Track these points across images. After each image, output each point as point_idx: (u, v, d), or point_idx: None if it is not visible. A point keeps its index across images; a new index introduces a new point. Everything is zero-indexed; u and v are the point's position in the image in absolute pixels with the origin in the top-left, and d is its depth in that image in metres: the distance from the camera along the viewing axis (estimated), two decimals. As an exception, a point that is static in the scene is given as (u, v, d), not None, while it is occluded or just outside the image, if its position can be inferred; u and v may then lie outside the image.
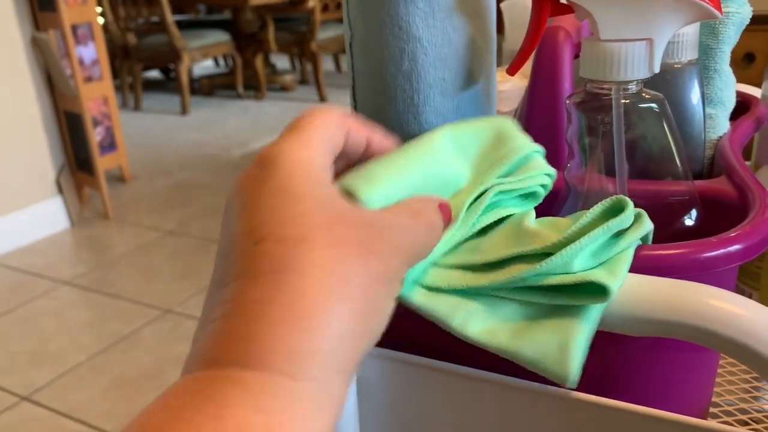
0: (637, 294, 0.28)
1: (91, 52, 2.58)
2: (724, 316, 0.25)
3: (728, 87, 0.45)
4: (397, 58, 0.35)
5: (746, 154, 0.57)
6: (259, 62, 4.28)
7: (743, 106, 0.53)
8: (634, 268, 0.30)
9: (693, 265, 0.30)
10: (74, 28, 2.46)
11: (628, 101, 0.32)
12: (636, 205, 0.30)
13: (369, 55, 0.36)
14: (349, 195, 0.26)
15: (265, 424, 0.19)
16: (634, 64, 0.30)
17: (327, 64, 5.01)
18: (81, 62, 2.51)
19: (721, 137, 0.45)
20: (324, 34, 4.16)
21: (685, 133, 0.41)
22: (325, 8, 4.11)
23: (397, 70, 0.35)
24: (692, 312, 0.26)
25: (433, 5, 0.34)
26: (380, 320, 0.24)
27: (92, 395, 1.59)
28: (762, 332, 0.25)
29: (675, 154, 0.34)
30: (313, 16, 3.99)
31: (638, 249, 0.30)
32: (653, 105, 0.33)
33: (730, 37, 0.43)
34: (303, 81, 4.78)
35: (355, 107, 0.38)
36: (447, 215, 0.28)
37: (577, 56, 0.45)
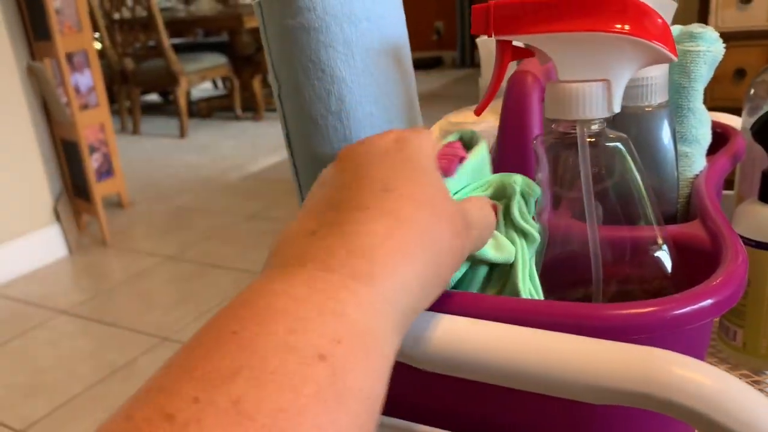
0: (595, 361, 0.27)
1: (87, 79, 2.59)
2: (689, 387, 0.24)
3: (703, 125, 0.45)
4: (325, 99, 0.37)
5: (730, 183, 0.56)
6: (256, 84, 4.30)
7: (722, 137, 0.53)
8: (599, 330, 0.29)
9: (662, 325, 0.29)
10: (70, 56, 2.47)
11: (593, 139, 0.32)
12: (607, 252, 0.30)
13: (298, 101, 0.37)
14: None
15: (369, 329, 0.23)
16: (594, 104, 0.31)
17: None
18: (77, 90, 2.52)
19: (697, 175, 0.44)
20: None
21: (658, 175, 0.40)
22: (321, 29, 4.13)
23: (326, 111, 0.37)
24: (655, 381, 0.25)
25: (351, 47, 0.36)
26: (443, 281, 0.28)
27: (89, 427, 1.58)
28: (729, 404, 0.24)
29: (645, 197, 0.34)
30: (309, 37, 4.01)
31: (603, 308, 0.30)
32: (618, 144, 0.33)
33: (703, 75, 0.43)
34: (301, 101, 4.79)
35: (292, 153, 0.40)
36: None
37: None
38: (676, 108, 0.44)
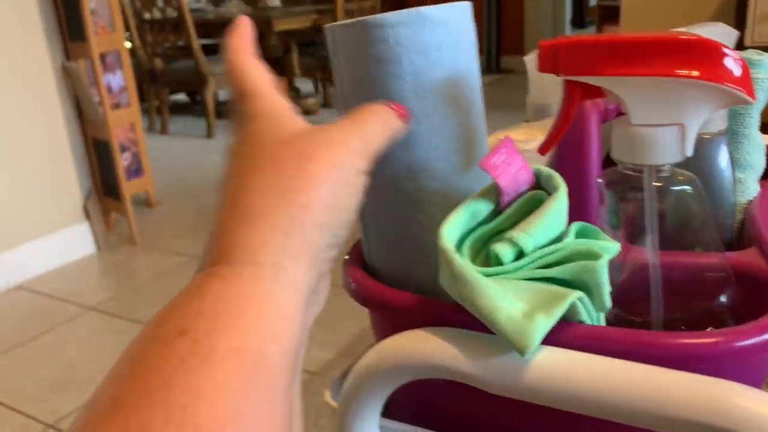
0: (659, 390, 0.27)
1: (119, 79, 2.62)
2: (753, 419, 0.25)
3: (757, 151, 0.45)
4: None
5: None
6: (283, 86, 4.32)
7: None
8: (663, 358, 0.29)
9: (727, 355, 0.29)
10: (103, 57, 2.50)
11: (660, 184, 0.32)
12: (669, 279, 0.30)
13: None
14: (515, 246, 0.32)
15: (237, 293, 0.25)
16: (666, 149, 0.30)
17: (350, 87, 5.02)
18: (109, 90, 2.55)
19: (750, 201, 0.45)
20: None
21: (715, 202, 0.40)
22: (348, 33, 4.14)
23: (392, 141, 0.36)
24: (719, 413, 0.25)
25: (421, 78, 0.36)
26: (336, 214, 0.29)
27: (117, 424, 1.60)
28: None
29: (707, 231, 0.34)
30: (336, 41, 4.02)
31: (668, 337, 0.30)
32: (686, 187, 0.33)
33: (760, 101, 0.43)
34: (326, 104, 4.81)
35: None
36: (401, 112, 0.34)
37: (605, 120, 0.45)
38: (731, 134, 0.44)
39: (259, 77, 0.33)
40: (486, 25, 5.50)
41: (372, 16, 0.35)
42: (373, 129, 0.32)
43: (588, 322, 0.33)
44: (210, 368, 0.22)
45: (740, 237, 0.45)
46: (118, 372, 0.23)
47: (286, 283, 0.27)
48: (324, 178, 0.28)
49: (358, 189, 0.30)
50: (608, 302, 0.32)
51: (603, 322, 0.34)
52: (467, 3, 0.37)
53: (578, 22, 7.52)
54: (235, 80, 0.33)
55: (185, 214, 2.95)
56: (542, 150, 0.34)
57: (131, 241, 2.63)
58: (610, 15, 4.39)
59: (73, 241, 2.50)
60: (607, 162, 0.43)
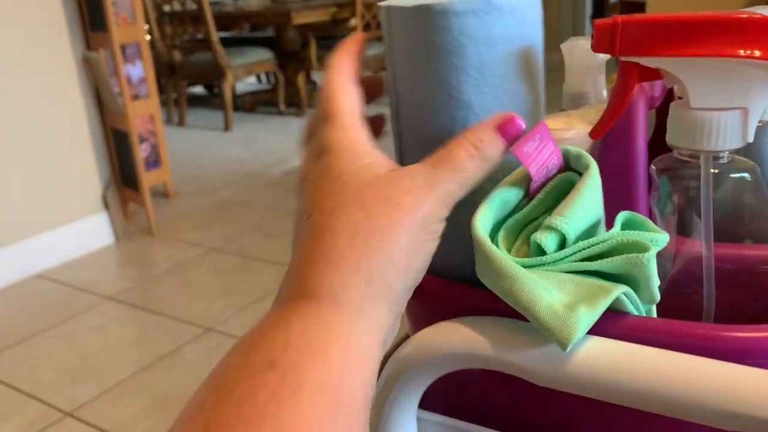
0: (715, 383, 0.26)
1: (139, 70, 2.63)
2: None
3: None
4: (449, 124, 0.34)
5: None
6: (300, 79, 4.33)
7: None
8: (720, 352, 0.28)
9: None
10: (123, 48, 2.51)
11: (717, 171, 0.31)
12: (721, 272, 0.29)
13: (419, 121, 0.36)
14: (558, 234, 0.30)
15: (320, 329, 0.26)
16: (727, 134, 0.29)
17: (367, 81, 5.03)
18: (129, 80, 2.56)
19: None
20: (366, 52, 4.17)
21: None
22: (366, 27, 4.14)
23: (448, 136, 0.34)
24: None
25: (485, 73, 0.33)
26: (415, 261, 0.29)
27: (135, 413, 1.61)
28: None
29: (764, 222, 0.33)
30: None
31: (725, 330, 0.29)
32: (746, 175, 0.32)
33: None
34: (343, 98, 4.81)
35: None
36: (508, 134, 0.31)
37: (651, 107, 0.44)
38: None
39: (348, 104, 0.32)
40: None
41: (436, 1, 0.33)
42: (458, 177, 0.30)
43: (635, 314, 0.32)
44: (298, 401, 0.24)
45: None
46: (205, 398, 0.24)
47: (365, 323, 0.28)
48: (407, 226, 0.29)
49: (438, 236, 0.30)
50: (657, 295, 0.31)
51: (654, 314, 0.33)
52: None
53: (599, 18, 7.46)
54: (323, 100, 0.33)
55: (202, 205, 2.95)
56: (595, 135, 0.32)
57: (149, 231, 2.64)
58: (632, 11, 4.35)
59: (92, 231, 2.51)
60: (650, 148, 0.41)
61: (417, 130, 0.36)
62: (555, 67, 0.62)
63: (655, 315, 0.33)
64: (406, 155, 0.38)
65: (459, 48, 0.33)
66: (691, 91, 0.29)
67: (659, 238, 0.31)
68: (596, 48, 0.30)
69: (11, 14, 2.20)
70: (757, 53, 0.28)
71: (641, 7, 4.43)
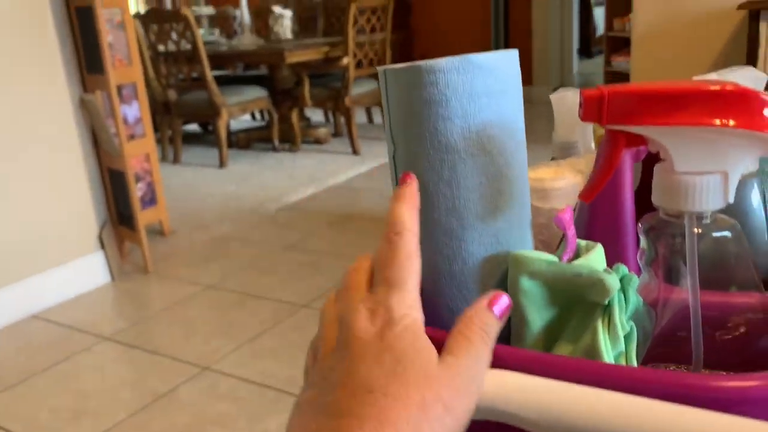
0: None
1: (135, 110, 2.66)
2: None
3: (788, 190, 0.46)
4: (438, 167, 0.38)
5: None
6: (294, 116, 4.37)
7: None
8: (708, 401, 0.30)
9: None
10: (120, 89, 2.54)
11: (700, 230, 0.33)
12: (709, 322, 0.31)
13: (412, 166, 0.39)
14: None
15: None
16: (709, 196, 0.31)
17: (359, 116, 5.10)
18: (125, 121, 2.59)
19: (783, 240, 0.45)
20: (357, 89, 4.24)
21: (749, 242, 0.41)
22: (358, 65, 4.20)
23: (438, 178, 0.38)
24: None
25: (468, 121, 0.38)
26: None
27: (132, 455, 1.60)
28: None
29: (747, 273, 0.35)
30: (347, 73, 4.08)
31: (713, 379, 0.31)
32: (727, 233, 0.34)
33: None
34: (336, 134, 4.86)
35: None
36: (499, 308, 0.35)
37: (637, 161, 0.46)
38: (761, 175, 0.45)
39: (415, 278, 0.35)
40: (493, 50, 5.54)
41: (424, 61, 0.37)
42: (476, 361, 0.33)
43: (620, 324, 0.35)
44: None
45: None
46: None
47: None
48: (455, 429, 0.31)
49: None
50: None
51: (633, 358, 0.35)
52: (514, 51, 0.39)
53: (586, 52, 7.59)
54: (395, 253, 0.35)
55: (198, 242, 2.96)
56: (585, 197, 0.35)
57: (145, 270, 2.64)
58: (618, 45, 4.43)
59: (88, 271, 2.52)
60: (637, 195, 0.43)
61: (411, 171, 0.40)
62: (545, 101, 0.65)
63: (634, 358, 0.35)
64: None
65: (445, 100, 0.37)
66: (675, 156, 0.31)
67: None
68: (584, 117, 0.32)
69: (8, 58, 2.24)
70: (731, 122, 0.30)
71: (626, 42, 4.52)
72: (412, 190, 0.38)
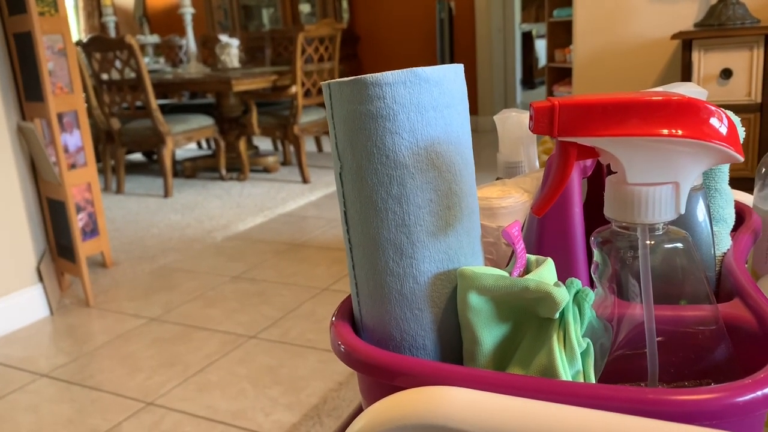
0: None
1: (76, 139, 2.59)
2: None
3: (728, 204, 0.47)
4: (387, 183, 0.37)
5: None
6: (242, 145, 4.33)
7: (737, 216, 0.55)
8: (663, 413, 0.30)
9: (729, 411, 0.29)
10: (60, 117, 2.48)
11: (653, 242, 0.33)
12: (662, 334, 0.31)
13: (359, 183, 0.38)
14: None
15: None
16: (661, 207, 0.31)
17: (308, 145, 5.09)
18: (66, 149, 2.52)
19: (725, 253, 0.46)
20: (306, 118, 4.23)
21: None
22: (306, 94, 4.20)
23: (387, 195, 0.38)
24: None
25: (416, 135, 0.37)
26: None
27: (70, 498, 1.52)
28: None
29: (698, 285, 0.35)
30: (295, 101, 4.07)
31: (665, 393, 0.30)
32: (678, 245, 0.34)
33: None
34: (285, 162, 4.83)
35: (348, 231, 0.41)
36: None
37: (584, 177, 0.47)
38: (706, 189, 0.46)
39: None
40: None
41: (369, 74, 0.36)
42: None
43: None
44: None
45: (717, 288, 0.46)
46: None
47: None
48: None
49: None
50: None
51: (591, 373, 0.34)
52: (460, 65, 0.39)
53: (528, 82, 7.78)
54: None
55: (142, 274, 2.88)
56: (537, 211, 0.34)
57: (86, 303, 2.55)
58: (560, 75, 4.56)
59: (25, 305, 2.41)
60: (585, 211, 0.43)
61: (359, 189, 0.39)
62: (490, 129, 0.65)
63: (592, 375, 0.34)
64: (349, 214, 0.40)
65: (392, 114, 0.36)
66: (627, 167, 0.31)
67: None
68: (535, 130, 0.32)
69: (-58, 85, 2.15)
70: (679, 132, 0.30)
71: (568, 72, 4.64)
72: None
